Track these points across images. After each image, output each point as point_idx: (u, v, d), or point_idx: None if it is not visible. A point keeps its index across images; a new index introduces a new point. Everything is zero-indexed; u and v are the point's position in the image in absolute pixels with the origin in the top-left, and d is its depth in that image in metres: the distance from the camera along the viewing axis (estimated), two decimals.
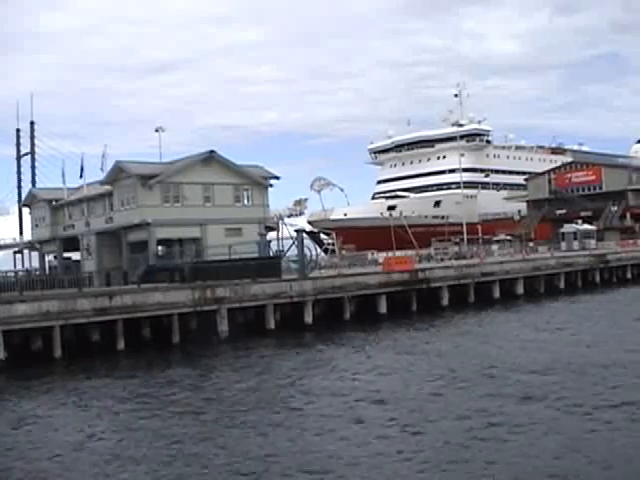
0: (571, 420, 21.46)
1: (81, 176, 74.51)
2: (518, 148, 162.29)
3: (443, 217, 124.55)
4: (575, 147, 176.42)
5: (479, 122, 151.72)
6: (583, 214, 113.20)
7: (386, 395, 25.93)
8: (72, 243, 75.59)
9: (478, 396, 24.88)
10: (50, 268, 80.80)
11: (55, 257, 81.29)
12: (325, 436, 21.05)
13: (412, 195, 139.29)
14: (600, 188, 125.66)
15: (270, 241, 60.10)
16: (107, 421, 24.73)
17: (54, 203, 78.60)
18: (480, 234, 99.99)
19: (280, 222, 69.67)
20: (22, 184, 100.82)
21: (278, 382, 30.26)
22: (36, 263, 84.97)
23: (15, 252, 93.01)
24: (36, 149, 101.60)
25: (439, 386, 27.08)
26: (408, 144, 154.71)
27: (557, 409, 22.61)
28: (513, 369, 29.30)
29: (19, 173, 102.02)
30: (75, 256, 77.63)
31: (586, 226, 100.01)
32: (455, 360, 32.26)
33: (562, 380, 26.78)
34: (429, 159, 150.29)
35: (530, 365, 29.80)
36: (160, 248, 65.18)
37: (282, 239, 59.44)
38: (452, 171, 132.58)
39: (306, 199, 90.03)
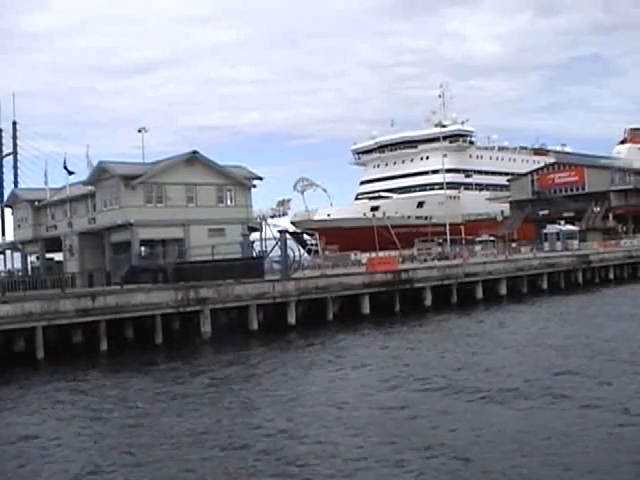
0: None
1: (70, 173, 74.22)
2: (501, 149, 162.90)
3: (426, 218, 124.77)
4: (558, 148, 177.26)
5: (462, 123, 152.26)
6: (566, 215, 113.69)
7: None
8: (55, 244, 75.22)
9: None
10: (32, 269, 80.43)
11: (37, 258, 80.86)
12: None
13: (395, 196, 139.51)
14: (583, 189, 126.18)
15: (253, 242, 60.01)
16: (85, 424, 24.57)
17: (36, 204, 78.22)
18: (463, 235, 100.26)
19: (263, 223, 69.64)
20: (4, 184, 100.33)
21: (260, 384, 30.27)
22: (18, 264, 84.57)
23: None
24: (18, 149, 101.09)
25: None
26: (391, 145, 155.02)
27: None
28: None
29: (1, 173, 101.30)
30: (58, 257, 77.30)
31: (569, 227, 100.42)
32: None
33: None
34: (412, 160, 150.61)
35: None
36: (143, 249, 65.02)
37: (265, 240, 59.47)
38: (435, 172, 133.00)
39: (289, 200, 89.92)
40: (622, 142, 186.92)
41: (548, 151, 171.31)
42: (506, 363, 31.31)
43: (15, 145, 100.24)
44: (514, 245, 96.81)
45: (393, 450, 19.30)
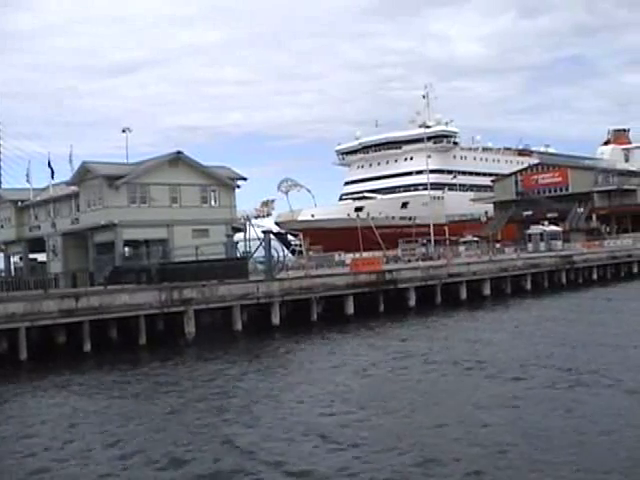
0: None
1: (52, 177, 74.12)
2: (485, 150, 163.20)
3: (410, 218, 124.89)
4: (541, 149, 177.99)
5: (446, 124, 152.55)
6: (549, 215, 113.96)
7: None
8: (38, 244, 74.98)
9: None
10: (15, 269, 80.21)
11: (21, 258, 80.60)
12: None
13: (379, 196, 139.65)
14: (566, 189, 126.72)
15: (237, 242, 59.95)
16: (69, 425, 24.50)
17: (19, 204, 77.96)
18: (447, 235, 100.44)
19: (247, 223, 69.54)
20: None
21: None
22: (1, 264, 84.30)
23: None
24: (1, 149, 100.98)
25: None
26: (375, 145, 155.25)
27: None
28: None
29: None
30: (41, 257, 77.07)
31: (552, 227, 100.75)
32: None
33: None
34: (396, 160, 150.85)
35: None
36: (127, 249, 64.91)
37: (249, 240, 59.33)
38: (419, 172, 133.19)
39: (273, 200, 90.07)
40: (605, 143, 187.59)
41: (532, 152, 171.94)
42: None
43: None
44: (498, 246, 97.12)
45: None
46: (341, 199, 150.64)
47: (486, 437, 20.13)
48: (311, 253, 79.22)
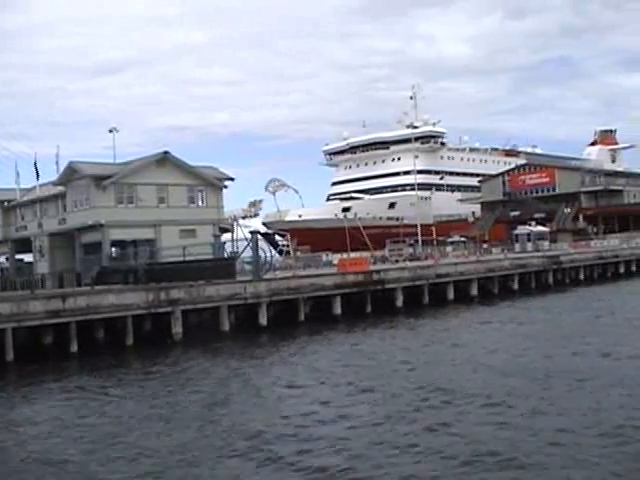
0: None
1: (38, 177, 73.92)
2: (472, 150, 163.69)
3: (398, 219, 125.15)
4: (529, 149, 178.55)
5: (434, 124, 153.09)
6: (537, 216, 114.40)
7: None
8: (25, 245, 74.76)
9: None
10: (2, 270, 79.89)
11: (7, 259, 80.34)
12: None
13: (367, 197, 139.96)
14: (553, 190, 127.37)
15: (224, 242, 59.83)
16: (56, 427, 24.41)
17: (6, 204, 77.71)
18: (434, 236, 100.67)
19: (235, 223, 69.44)
20: None
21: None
22: None
23: None
24: None
25: None
26: (363, 146, 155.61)
27: None
28: None
29: None
30: (28, 258, 76.83)
31: (539, 228, 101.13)
32: None
33: None
34: (384, 161, 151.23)
35: None
36: (114, 249, 64.69)
37: (236, 240, 59.23)
38: (407, 173, 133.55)
39: (261, 200, 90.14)
40: (592, 144, 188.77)
41: (519, 152, 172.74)
42: None
43: None
44: (485, 246, 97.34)
45: None
46: (329, 199, 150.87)
47: None
48: (298, 253, 79.31)
